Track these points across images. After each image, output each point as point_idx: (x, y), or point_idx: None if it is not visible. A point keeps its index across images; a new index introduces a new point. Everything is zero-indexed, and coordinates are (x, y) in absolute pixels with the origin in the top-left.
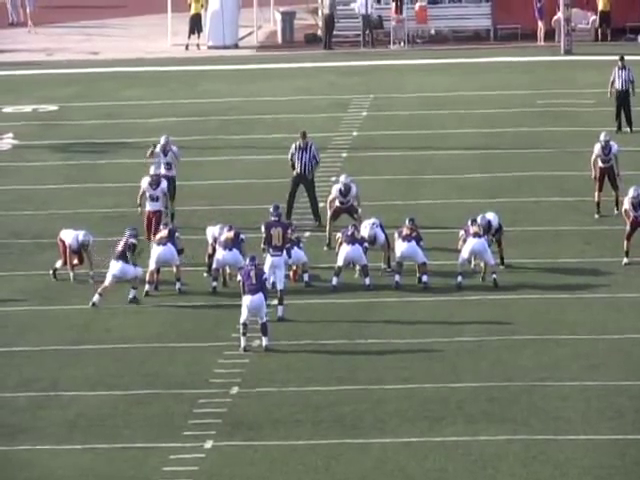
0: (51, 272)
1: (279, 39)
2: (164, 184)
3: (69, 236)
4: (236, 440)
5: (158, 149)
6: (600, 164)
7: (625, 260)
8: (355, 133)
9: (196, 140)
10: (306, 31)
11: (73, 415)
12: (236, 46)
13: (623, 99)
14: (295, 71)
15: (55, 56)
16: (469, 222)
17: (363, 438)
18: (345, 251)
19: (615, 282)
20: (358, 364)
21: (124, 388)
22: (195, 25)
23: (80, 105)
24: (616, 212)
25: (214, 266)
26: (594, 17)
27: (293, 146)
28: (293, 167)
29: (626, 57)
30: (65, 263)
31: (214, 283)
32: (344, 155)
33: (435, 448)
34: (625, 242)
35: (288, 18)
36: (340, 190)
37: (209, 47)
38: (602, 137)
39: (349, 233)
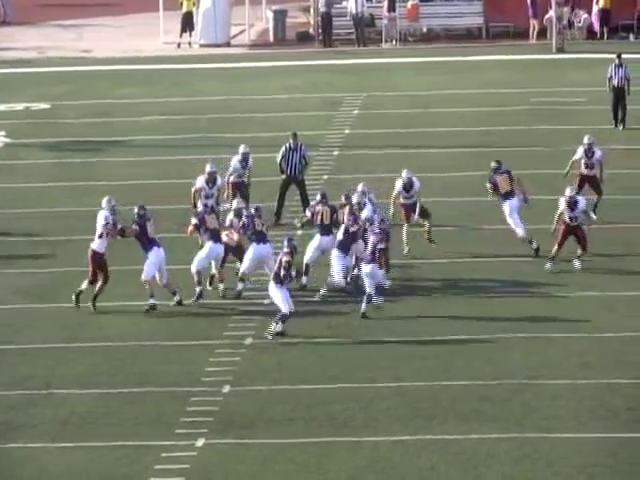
0: (74, 297)
1: (271, 37)
2: (219, 181)
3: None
4: (228, 438)
5: (236, 163)
6: (583, 170)
7: (548, 265)
8: (347, 131)
9: (188, 138)
10: (298, 29)
11: (66, 413)
12: (228, 44)
13: (619, 96)
14: (287, 69)
15: (47, 54)
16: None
17: (355, 436)
18: (318, 241)
19: (607, 280)
20: (350, 362)
21: (116, 386)
22: (187, 23)
23: (72, 103)
24: (594, 217)
25: (195, 268)
26: (586, 15)
27: (283, 148)
28: (282, 172)
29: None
30: (93, 282)
31: (198, 288)
32: (335, 153)
33: (427, 446)
34: (556, 247)
35: (280, 16)
36: (404, 185)
37: (201, 45)
38: (585, 140)
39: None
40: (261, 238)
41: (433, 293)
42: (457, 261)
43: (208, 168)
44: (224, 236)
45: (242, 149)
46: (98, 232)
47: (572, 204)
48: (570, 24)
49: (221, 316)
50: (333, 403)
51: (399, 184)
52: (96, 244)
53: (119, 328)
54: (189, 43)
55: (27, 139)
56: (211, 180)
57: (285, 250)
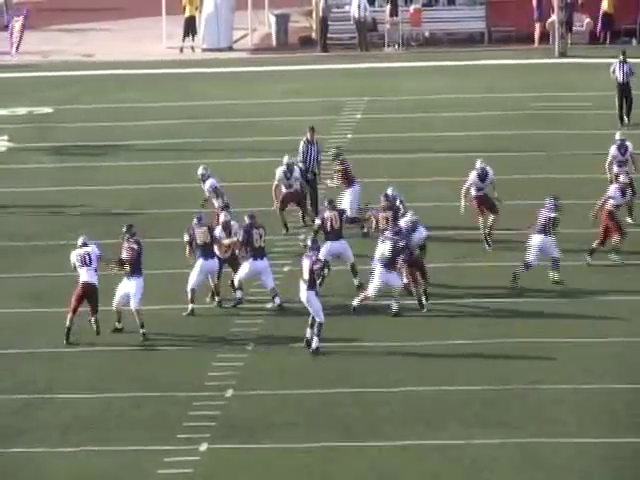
0: (65, 333)
1: (273, 42)
2: (210, 182)
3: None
4: (231, 443)
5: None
6: (616, 170)
7: (588, 258)
8: (349, 135)
9: (190, 143)
10: (300, 34)
11: (68, 417)
12: (230, 49)
13: (625, 91)
14: (289, 73)
15: (50, 58)
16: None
17: (358, 441)
18: (328, 247)
19: (609, 285)
20: (353, 367)
21: (118, 390)
22: (189, 27)
23: (75, 107)
24: (630, 221)
25: (190, 286)
26: (588, 20)
27: (302, 143)
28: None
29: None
30: (75, 311)
31: (190, 305)
32: None
33: (429, 452)
34: (602, 238)
35: (282, 21)
36: (478, 175)
37: (203, 50)
38: (617, 136)
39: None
40: (258, 254)
41: (435, 297)
42: (459, 265)
43: (200, 170)
44: (217, 249)
45: (286, 159)
46: (91, 266)
47: (624, 190)
48: (569, 28)
49: (224, 321)
50: (336, 407)
51: (473, 175)
52: (88, 276)
53: (120, 332)
54: (192, 47)
55: (30, 143)
56: (202, 180)
57: (312, 256)
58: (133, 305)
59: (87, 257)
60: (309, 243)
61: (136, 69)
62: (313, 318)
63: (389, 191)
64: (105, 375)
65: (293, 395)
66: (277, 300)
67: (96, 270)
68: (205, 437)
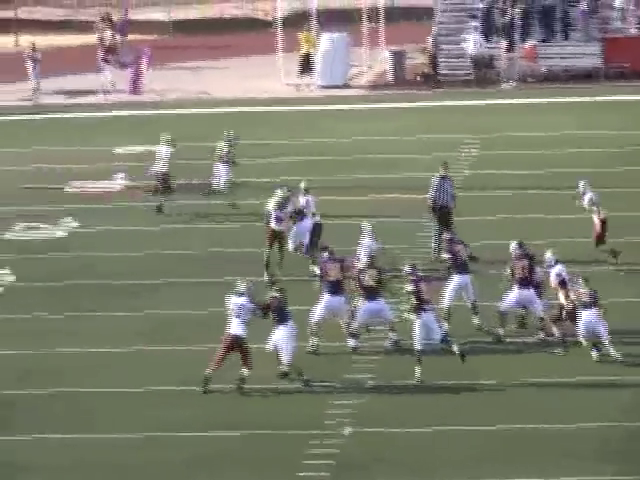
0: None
1: (389, 78)
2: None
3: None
4: None
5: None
6: None
7: None
8: (467, 172)
9: (311, 180)
10: (417, 70)
11: (188, 454)
12: (346, 85)
13: None
14: (406, 110)
15: (166, 96)
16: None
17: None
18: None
19: None
20: (463, 404)
21: (235, 428)
22: (306, 64)
23: (192, 145)
24: None
25: (314, 320)
26: None
27: (436, 179)
28: (432, 208)
29: None
30: (219, 363)
31: (314, 339)
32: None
33: None
34: None
35: (398, 57)
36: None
37: (320, 86)
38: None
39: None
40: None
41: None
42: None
43: (279, 192)
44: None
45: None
46: (243, 318)
47: None
48: None
49: (342, 358)
50: (449, 447)
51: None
52: (239, 329)
53: (235, 370)
54: (308, 85)
55: (145, 181)
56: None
57: (410, 277)
58: (285, 361)
59: (242, 309)
60: (407, 269)
61: (254, 106)
62: (420, 356)
63: (518, 242)
64: (220, 413)
65: (411, 433)
66: (392, 335)
67: (247, 323)
68: (325, 476)
